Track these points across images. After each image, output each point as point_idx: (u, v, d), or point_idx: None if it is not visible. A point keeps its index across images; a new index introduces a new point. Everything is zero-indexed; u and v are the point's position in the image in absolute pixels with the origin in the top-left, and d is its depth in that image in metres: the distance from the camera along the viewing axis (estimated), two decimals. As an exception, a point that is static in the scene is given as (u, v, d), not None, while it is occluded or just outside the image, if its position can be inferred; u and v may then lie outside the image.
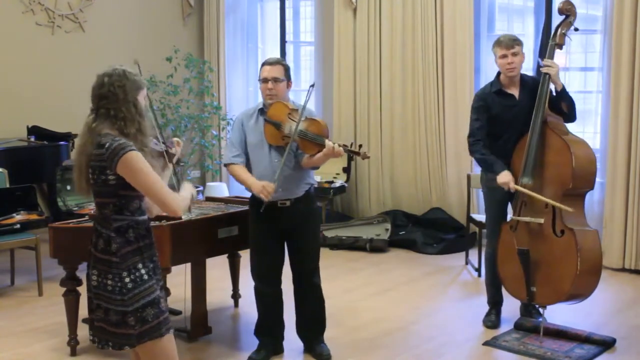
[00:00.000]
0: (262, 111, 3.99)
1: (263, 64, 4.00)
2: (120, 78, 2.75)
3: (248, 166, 4.03)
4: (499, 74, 4.47)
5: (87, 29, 7.51)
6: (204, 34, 8.47)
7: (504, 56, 4.36)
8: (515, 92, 4.44)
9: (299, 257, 4.08)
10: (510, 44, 4.35)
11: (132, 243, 2.74)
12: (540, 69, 4.31)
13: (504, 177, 4.27)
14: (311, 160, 3.88)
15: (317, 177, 6.42)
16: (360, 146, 3.81)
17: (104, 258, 2.73)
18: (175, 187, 3.01)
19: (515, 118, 4.38)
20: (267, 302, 4.10)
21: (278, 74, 3.92)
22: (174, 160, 3.06)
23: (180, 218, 3.87)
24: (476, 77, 6.65)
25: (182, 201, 2.81)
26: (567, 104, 4.33)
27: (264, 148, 3.95)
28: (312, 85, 3.96)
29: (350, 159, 7.32)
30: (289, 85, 4.01)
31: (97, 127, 2.72)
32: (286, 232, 4.01)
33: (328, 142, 3.72)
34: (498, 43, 4.41)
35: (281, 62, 4.00)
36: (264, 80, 3.93)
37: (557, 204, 4.10)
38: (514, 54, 4.35)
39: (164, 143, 2.98)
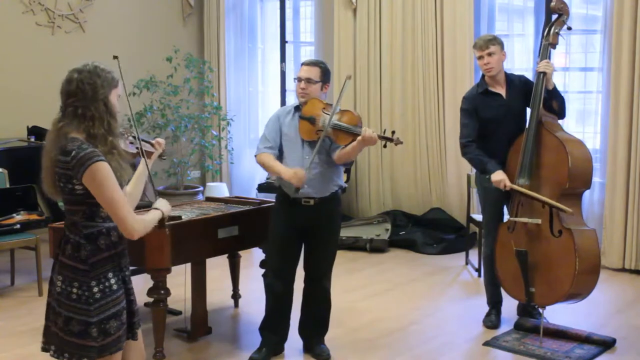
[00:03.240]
0: (297, 108, 4.03)
1: (302, 64, 4.07)
2: (90, 75, 2.60)
3: (280, 157, 4.02)
4: (484, 74, 4.49)
5: (87, 29, 7.50)
6: (204, 34, 8.46)
7: (480, 57, 4.40)
8: (501, 91, 4.46)
9: (313, 258, 4.09)
10: (484, 45, 4.37)
11: (103, 251, 2.62)
12: (537, 68, 4.32)
13: (498, 176, 4.29)
14: (344, 151, 3.88)
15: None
16: (393, 132, 3.82)
17: (71, 265, 2.61)
18: (150, 184, 2.94)
19: (504, 117, 4.40)
20: (277, 298, 4.10)
21: (313, 75, 3.97)
22: (153, 157, 2.97)
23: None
24: (476, 77, 6.62)
25: (141, 224, 2.63)
26: (558, 102, 4.34)
27: (297, 143, 3.97)
28: (349, 77, 4.03)
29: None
30: (324, 88, 4.04)
31: (63, 128, 2.59)
32: (305, 231, 4.02)
33: (365, 130, 3.75)
34: (474, 45, 4.48)
35: (319, 64, 4.04)
36: (298, 80, 4.00)
37: (555, 203, 4.10)
38: (490, 54, 4.37)
39: (141, 140, 2.87)
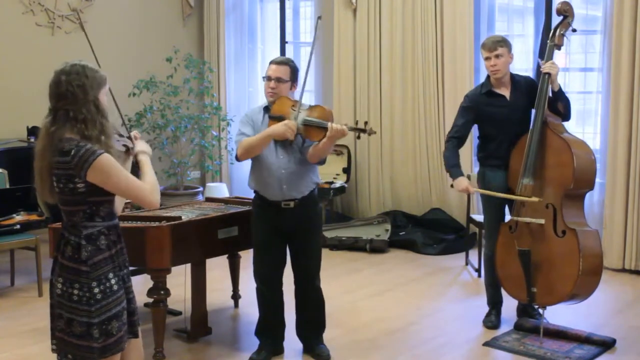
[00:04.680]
0: (267, 109, 3.99)
1: (270, 62, 4.00)
2: (79, 76, 2.57)
3: (254, 161, 3.97)
4: (489, 75, 4.48)
5: (87, 29, 7.47)
6: (204, 34, 8.47)
7: (488, 58, 4.39)
8: (505, 92, 4.45)
9: (300, 259, 4.07)
10: (493, 46, 4.36)
11: (103, 251, 2.62)
12: (541, 69, 4.32)
13: (460, 185, 4.40)
14: (317, 148, 3.84)
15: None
16: (366, 123, 3.78)
17: (72, 266, 2.60)
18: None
19: (507, 119, 4.39)
20: (268, 303, 4.10)
21: (282, 74, 3.92)
22: (134, 152, 2.94)
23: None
24: (476, 77, 6.64)
25: (155, 190, 2.71)
26: (563, 104, 4.34)
27: (269, 144, 3.92)
28: (320, 17, 4.05)
29: (349, 159, 7.33)
30: (292, 87, 4.00)
31: (56, 132, 2.56)
32: (288, 234, 4.01)
33: (331, 124, 3.72)
34: (482, 45, 4.46)
35: (289, 62, 3.98)
36: (268, 79, 3.94)
37: (518, 197, 4.19)
38: (497, 56, 4.35)
39: (127, 137, 2.86)
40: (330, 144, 3.81)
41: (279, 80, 3.92)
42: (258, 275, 4.09)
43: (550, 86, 4.26)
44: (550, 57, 4.32)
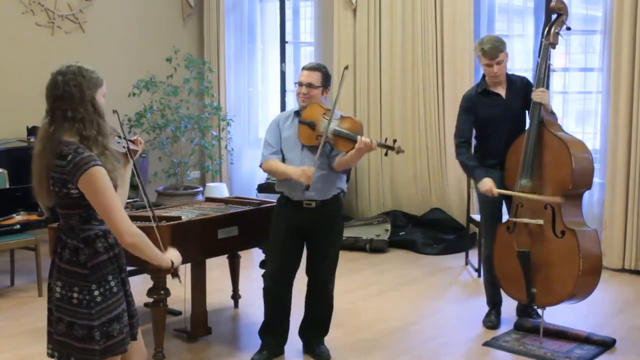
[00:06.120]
0: (297, 113, 4.02)
1: (302, 68, 4.07)
2: (75, 76, 2.57)
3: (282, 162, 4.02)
4: (484, 75, 4.48)
5: (87, 29, 7.50)
6: (204, 34, 8.46)
7: (489, 65, 4.37)
8: (501, 91, 4.46)
9: (316, 261, 4.07)
10: (494, 54, 4.32)
11: (101, 254, 2.61)
12: (532, 96, 4.25)
13: (485, 185, 4.30)
14: (344, 158, 3.87)
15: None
16: (395, 141, 3.80)
17: (71, 270, 2.59)
18: (139, 184, 2.93)
19: (502, 117, 4.40)
20: (275, 304, 4.09)
21: (314, 80, 3.98)
22: (136, 156, 2.95)
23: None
24: (476, 77, 6.63)
25: (138, 235, 2.60)
26: None
27: (296, 148, 3.96)
28: (347, 67, 4.07)
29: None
30: (325, 92, 4.04)
31: (55, 133, 2.55)
32: (307, 235, 4.01)
33: (361, 137, 3.74)
34: (482, 51, 4.36)
35: (320, 68, 4.04)
36: (300, 84, 4.00)
37: (545, 198, 4.11)
38: (499, 63, 4.35)
39: (125, 139, 2.85)
40: (357, 157, 3.85)
41: (310, 85, 3.97)
42: (269, 274, 4.08)
43: (541, 114, 4.21)
44: (546, 56, 4.30)
